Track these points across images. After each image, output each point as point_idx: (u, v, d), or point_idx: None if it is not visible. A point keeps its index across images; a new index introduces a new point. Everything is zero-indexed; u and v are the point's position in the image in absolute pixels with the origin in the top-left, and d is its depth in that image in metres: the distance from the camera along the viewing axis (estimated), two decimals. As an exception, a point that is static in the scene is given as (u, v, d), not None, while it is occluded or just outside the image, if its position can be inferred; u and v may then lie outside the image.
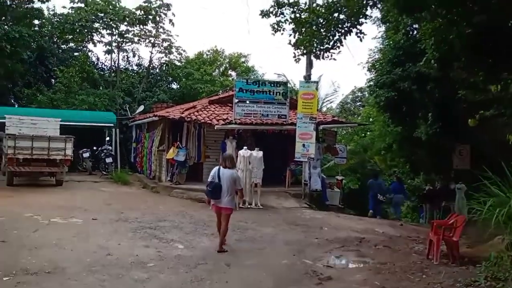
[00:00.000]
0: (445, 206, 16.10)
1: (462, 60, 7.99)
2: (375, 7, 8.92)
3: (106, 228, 9.48)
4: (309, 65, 14.87)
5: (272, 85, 15.13)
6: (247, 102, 15.02)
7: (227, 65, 27.82)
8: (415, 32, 10.21)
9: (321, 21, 8.54)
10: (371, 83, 13.97)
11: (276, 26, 9.24)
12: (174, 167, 15.52)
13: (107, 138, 19.19)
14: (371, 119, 19.27)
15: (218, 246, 8.20)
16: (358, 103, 33.65)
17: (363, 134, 21.91)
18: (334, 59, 9.33)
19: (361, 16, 8.70)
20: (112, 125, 19.39)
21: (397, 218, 17.09)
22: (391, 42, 13.09)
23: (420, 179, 21.44)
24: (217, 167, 8.50)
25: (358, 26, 8.67)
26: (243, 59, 27.97)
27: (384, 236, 10.74)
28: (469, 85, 8.95)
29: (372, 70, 15.13)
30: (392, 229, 11.93)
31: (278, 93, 15.17)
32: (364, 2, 8.74)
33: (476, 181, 16.68)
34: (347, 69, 54.80)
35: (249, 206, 13.43)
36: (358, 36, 8.73)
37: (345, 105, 29.60)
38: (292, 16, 8.90)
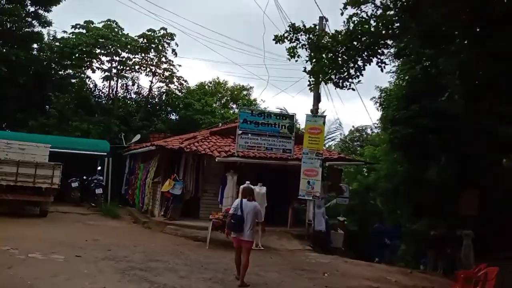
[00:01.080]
0: (450, 253, 15.14)
1: (492, 93, 7.31)
2: (395, 38, 8.28)
3: (90, 268, 8.36)
4: (317, 99, 14.19)
5: (278, 117, 14.38)
6: (249, 135, 14.18)
7: (229, 98, 27.26)
8: (433, 67, 9.61)
9: (341, 48, 7.89)
10: (387, 118, 13.24)
11: (292, 51, 8.56)
12: (169, 201, 14.48)
13: (98, 168, 18.17)
14: (379, 158, 18.47)
15: (240, 281, 8.09)
16: (356, 143, 33.04)
17: (367, 174, 21.07)
18: (353, 89, 8.65)
19: (381, 46, 8.07)
20: (105, 154, 18.44)
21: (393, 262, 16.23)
22: (407, 77, 12.48)
23: (422, 223, 20.49)
24: (239, 199, 8.54)
25: (378, 56, 8.02)
26: (245, 92, 27.47)
27: (397, 286, 9.71)
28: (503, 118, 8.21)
29: (384, 106, 14.52)
30: (404, 277, 10.91)
31: (283, 126, 14.38)
32: (384, 32, 8.12)
33: (482, 228, 15.97)
34: (348, 108, 54.74)
35: (249, 247, 12.31)
36: (379, 66, 8.08)
37: (345, 143, 28.88)
38: (309, 42, 8.25)
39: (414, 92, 11.68)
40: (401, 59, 10.91)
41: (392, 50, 9.44)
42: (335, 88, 8.75)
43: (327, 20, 9.54)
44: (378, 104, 15.71)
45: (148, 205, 15.66)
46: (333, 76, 8.22)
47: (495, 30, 6.52)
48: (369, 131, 30.59)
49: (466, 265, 14.74)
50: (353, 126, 33.41)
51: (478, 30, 6.97)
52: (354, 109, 64.21)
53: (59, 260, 8.75)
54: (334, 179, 15.75)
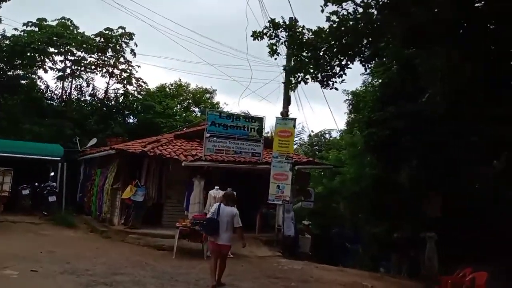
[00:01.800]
0: (414, 256, 15.23)
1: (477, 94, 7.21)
2: (377, 38, 8.04)
3: (48, 284, 7.53)
4: (287, 101, 13.88)
5: (247, 120, 13.92)
6: (217, 138, 13.60)
7: (191, 100, 26.44)
8: (410, 67, 9.50)
9: (324, 45, 7.55)
10: (362, 120, 13.05)
11: (272, 48, 8.12)
12: (130, 208, 13.62)
13: (51, 174, 16.89)
14: (346, 162, 18.40)
15: (217, 281, 8.12)
16: (315, 147, 33.10)
17: (332, 178, 20.98)
18: (336, 88, 8.33)
19: (363, 46, 7.81)
20: (59, 158, 17.19)
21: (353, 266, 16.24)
22: (381, 79, 12.40)
23: (384, 227, 20.69)
24: (218, 203, 8.58)
25: (361, 54, 7.76)
26: (208, 95, 26.77)
27: (375, 291, 9.48)
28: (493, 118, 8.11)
29: (355, 109, 14.38)
30: (378, 282, 10.72)
31: (253, 129, 13.94)
32: (367, 31, 7.85)
33: (446, 230, 16.20)
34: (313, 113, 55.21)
35: (218, 255, 11.72)
36: (364, 65, 7.81)
37: (307, 147, 28.70)
38: (290, 38, 7.86)
39: (390, 94, 11.59)
40: (374, 61, 10.73)
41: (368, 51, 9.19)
42: (322, 87, 8.40)
43: (297, 21, 9.16)
44: (351, 107, 15.62)
45: (107, 213, 14.68)
46: (319, 75, 7.87)
47: (481, 30, 6.41)
48: (333, 134, 30.66)
49: (429, 267, 14.86)
50: (312, 131, 33.49)
51: (463, 29, 6.84)
52: (318, 116, 64.51)
53: (13, 277, 7.82)
54: (302, 183, 15.45)
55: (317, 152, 30.10)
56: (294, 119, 13.57)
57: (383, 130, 11.41)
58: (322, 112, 58.55)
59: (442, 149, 11.44)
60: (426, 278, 14.24)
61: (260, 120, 13.98)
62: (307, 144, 32.50)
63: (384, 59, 9.89)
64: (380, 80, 12.75)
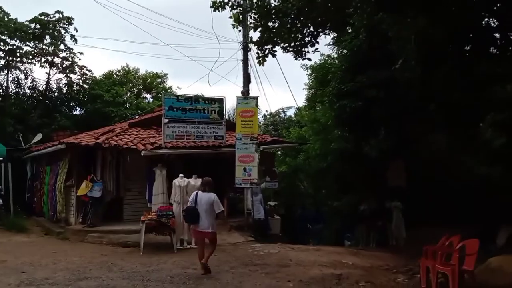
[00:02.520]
0: (382, 225, 15.31)
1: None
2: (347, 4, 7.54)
3: (3, 301, 6.60)
4: (247, 79, 13.24)
5: (206, 102, 13.13)
6: (174, 123, 12.75)
7: (141, 86, 25.02)
8: (379, 34, 9.11)
9: (294, 11, 6.96)
10: (332, 92, 12.59)
11: (237, 18, 7.41)
12: (88, 205, 12.61)
13: (-5, 175, 15.44)
14: (310, 138, 18.06)
15: (205, 259, 8.19)
16: (270, 127, 32.81)
17: (295, 156, 20.68)
18: (309, 58, 7.80)
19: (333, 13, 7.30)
20: (1, 159, 15.73)
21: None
22: (346, 49, 11.95)
23: (349, 200, 20.85)
24: (196, 191, 8.48)
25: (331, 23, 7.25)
26: (159, 80, 25.44)
27: (356, 269, 9.19)
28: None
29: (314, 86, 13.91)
30: (356, 258, 10.48)
31: (213, 111, 13.20)
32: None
33: (411, 199, 16.42)
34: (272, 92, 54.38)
35: (188, 246, 11.10)
36: (335, 31, 7.31)
37: (265, 127, 28.24)
38: (257, 5, 7.19)
39: (359, 63, 11.13)
40: (341, 31, 10.26)
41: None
42: (295, 57, 7.81)
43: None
44: (312, 82, 15.06)
45: (61, 212, 13.54)
46: (292, 43, 7.26)
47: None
48: (289, 113, 30.37)
49: (398, 236, 15.01)
50: (266, 111, 33.04)
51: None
52: (273, 96, 63.82)
53: (-42, 297, 6.82)
54: (268, 164, 14.98)
55: (273, 132, 29.82)
56: (256, 98, 12.96)
57: (356, 101, 11.03)
58: (277, 92, 57.76)
59: (409, 116, 11.30)
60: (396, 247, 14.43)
61: (220, 101, 13.26)
62: (262, 124, 32.11)
63: (352, 27, 9.44)
64: (346, 51, 12.32)
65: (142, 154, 12.18)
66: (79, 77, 21.59)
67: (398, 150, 12.12)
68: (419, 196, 17.08)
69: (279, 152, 21.14)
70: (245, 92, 13.05)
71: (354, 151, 13.58)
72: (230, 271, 8.71)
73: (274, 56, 7.99)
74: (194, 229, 8.39)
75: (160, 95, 23.48)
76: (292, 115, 30.28)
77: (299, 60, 7.75)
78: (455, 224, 18.46)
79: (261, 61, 8.39)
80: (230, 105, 21.57)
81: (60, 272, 8.45)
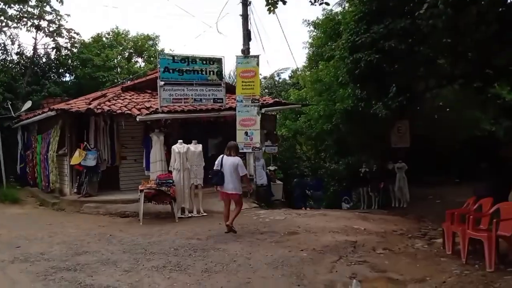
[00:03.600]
0: (384, 187, 14.90)
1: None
2: None
3: (-5, 280, 6.05)
4: (247, 37, 12.36)
5: (204, 62, 12.28)
6: (171, 86, 11.96)
7: (132, 50, 23.88)
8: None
9: None
10: (345, 46, 11.70)
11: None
12: (82, 175, 11.99)
13: (-16, 146, 14.71)
14: (312, 99, 17.31)
15: (230, 221, 8.52)
16: (265, 90, 31.99)
17: (295, 119, 20.02)
18: (327, 3, 6.99)
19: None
20: (-10, 128, 15.00)
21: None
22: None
23: (348, 162, 20.53)
24: (222, 155, 8.68)
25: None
26: (150, 42, 24.26)
27: (371, 235, 8.73)
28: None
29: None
30: (367, 223, 10.03)
31: (211, 72, 12.39)
32: None
33: (414, 159, 15.98)
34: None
35: (190, 215, 10.60)
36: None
37: (264, 90, 27.33)
38: None
39: (376, 12, 10.20)
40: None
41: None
42: (312, 2, 6.98)
43: None
44: (313, 39, 14.03)
45: (54, 182, 12.93)
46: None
47: None
48: (283, 76, 29.49)
49: (401, 198, 14.66)
50: (260, 74, 31.97)
51: None
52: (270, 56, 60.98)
53: None
54: (269, 127, 14.33)
55: (268, 94, 29.00)
56: (257, 56, 12.13)
57: (371, 54, 10.18)
58: (271, 54, 55.62)
59: (422, 70, 10.57)
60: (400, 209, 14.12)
61: (218, 61, 12.41)
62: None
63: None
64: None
65: (137, 120, 11.47)
66: (66, 40, 20.49)
67: (405, 109, 11.46)
68: (421, 157, 16.74)
69: (277, 116, 20.44)
70: (246, 50, 12.20)
71: (360, 111, 12.95)
72: (237, 240, 8.22)
73: (284, 3, 7.17)
74: (220, 191, 8.70)
75: (152, 58, 22.45)
76: (287, 78, 29.36)
77: (315, 5, 6.99)
78: (458, 184, 18.43)
79: (271, 8, 7.55)
80: (229, 67, 20.68)
81: (57, 246, 7.92)
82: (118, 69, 21.36)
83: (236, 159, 8.55)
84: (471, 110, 17.79)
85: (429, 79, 11.39)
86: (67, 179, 12.56)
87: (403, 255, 7.31)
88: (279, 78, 29.30)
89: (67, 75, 21.41)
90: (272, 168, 16.98)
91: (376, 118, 12.43)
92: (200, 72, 12.25)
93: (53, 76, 20.78)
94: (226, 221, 8.61)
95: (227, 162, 8.49)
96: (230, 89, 13.78)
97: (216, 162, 8.73)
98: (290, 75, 29.95)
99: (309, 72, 19.19)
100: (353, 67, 10.45)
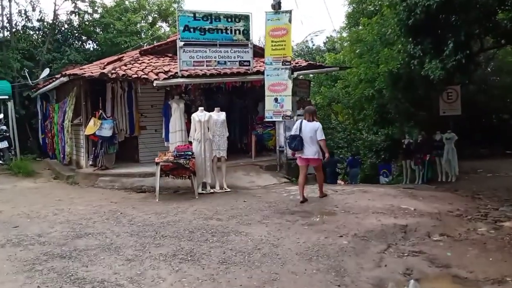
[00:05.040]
0: (430, 159, 13.50)
1: None
2: None
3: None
4: (277, -12, 10.78)
5: (229, 20, 10.87)
6: (192, 47, 10.67)
7: (156, 14, 22.60)
8: None
9: None
10: None
11: None
12: (98, 146, 11.02)
13: (1, 116, 14.00)
14: (351, 62, 15.67)
15: (319, 193, 8.58)
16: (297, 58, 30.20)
17: (332, 85, 18.43)
18: None
19: None
20: (7, 97, 14.24)
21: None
22: None
23: (384, 132, 19.04)
24: (300, 120, 8.51)
25: None
26: (175, 6, 22.84)
27: (422, 217, 7.33)
28: None
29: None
30: (416, 201, 8.58)
31: (237, 31, 11.00)
32: None
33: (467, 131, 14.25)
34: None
35: (212, 191, 9.45)
36: None
37: (304, 56, 25.48)
38: None
39: None
40: None
41: None
42: None
43: None
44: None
45: (70, 154, 12.09)
46: None
47: None
48: (317, 41, 27.60)
49: (449, 172, 13.18)
50: (293, 41, 30.07)
51: None
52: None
53: None
54: (302, 93, 12.89)
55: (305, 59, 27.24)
56: (290, 12, 10.60)
57: None
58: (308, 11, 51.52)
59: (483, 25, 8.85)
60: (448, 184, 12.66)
61: (245, 18, 10.97)
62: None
63: None
64: None
65: (154, 84, 10.30)
66: (87, 4, 19.38)
67: (464, 71, 9.80)
68: (469, 127, 15.06)
69: (311, 82, 18.93)
70: (277, 5, 10.66)
71: (408, 73, 11.34)
72: (263, 221, 7.02)
73: None
74: (299, 157, 8.40)
75: (184, 10, 21.07)
76: (322, 44, 27.42)
77: None
78: (508, 156, 16.63)
79: None
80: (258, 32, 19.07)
81: (59, 226, 6.95)
82: (142, 34, 20.18)
83: (316, 124, 8.24)
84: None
85: (485, 38, 9.74)
86: (83, 151, 11.65)
87: (468, 244, 5.93)
88: (313, 44, 27.40)
89: (90, 42, 20.43)
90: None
91: (426, 81, 10.77)
92: (224, 31, 10.88)
93: (74, 43, 19.84)
94: (301, 189, 8.35)
95: (307, 127, 8.19)
96: (259, 53, 12.37)
97: (294, 127, 8.53)
98: (325, 40, 28.03)
99: (347, 33, 17.39)
100: (406, 15, 8.76)
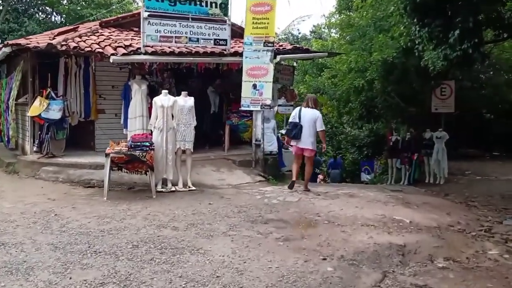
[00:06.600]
0: (419, 158, 12.71)
1: None
2: None
3: None
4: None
5: (205, -10, 9.38)
6: (159, 19, 9.17)
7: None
8: None
9: None
10: None
11: None
12: (44, 130, 9.44)
13: None
14: (341, 48, 14.34)
15: (304, 186, 8.20)
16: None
17: (318, 74, 17.11)
18: None
19: None
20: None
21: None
22: None
23: (368, 128, 18.13)
24: (299, 107, 8.22)
25: None
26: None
27: (421, 233, 6.11)
28: None
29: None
30: (411, 211, 7.37)
31: (214, 4, 9.49)
32: None
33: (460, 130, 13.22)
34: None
35: (174, 189, 8.02)
36: None
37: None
38: None
39: None
40: None
41: None
42: None
43: None
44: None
45: (14, 137, 10.47)
46: None
47: None
48: (302, 28, 26.18)
49: (437, 173, 12.27)
50: (278, 28, 28.53)
51: None
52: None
53: None
54: (285, 81, 11.53)
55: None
56: (273, -16, 9.21)
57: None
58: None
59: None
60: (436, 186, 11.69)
61: (223, -10, 9.51)
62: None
63: None
64: None
65: (111, 61, 8.75)
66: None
67: (469, 62, 8.65)
68: (456, 126, 14.26)
69: (295, 69, 17.59)
70: (259, -24, 9.24)
71: (404, 62, 10.18)
72: (228, 233, 5.66)
73: None
74: (295, 146, 8.17)
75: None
76: (308, 33, 25.99)
77: None
78: (494, 159, 15.89)
79: None
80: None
81: (-33, 231, 5.46)
82: (111, 7, 18.40)
83: (316, 112, 8.03)
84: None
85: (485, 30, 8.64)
86: (28, 134, 10.05)
87: (483, 276, 4.70)
88: (299, 32, 25.92)
89: (54, 14, 18.59)
90: (284, 132, 14.26)
91: (423, 73, 9.60)
92: (198, 2, 9.37)
93: (37, 14, 17.99)
94: (295, 172, 8.23)
95: (306, 114, 7.91)
96: (239, 33, 10.95)
97: (292, 114, 8.23)
98: (311, 29, 26.61)
99: (340, 17, 16.00)
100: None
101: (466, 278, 4.60)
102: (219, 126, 11.28)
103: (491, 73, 15.79)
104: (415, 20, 7.64)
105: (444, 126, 12.92)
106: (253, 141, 10.09)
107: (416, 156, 12.70)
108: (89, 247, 4.96)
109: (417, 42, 7.90)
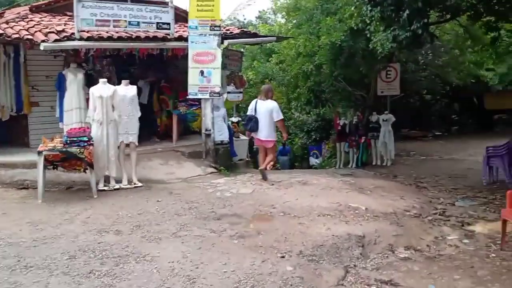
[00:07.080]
0: (366, 141, 12.85)
1: None
2: None
3: None
4: None
5: (144, -30, 8.69)
6: (92, 2, 8.40)
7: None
8: None
9: None
10: None
11: None
12: (-32, 126, 8.50)
13: None
14: (289, 32, 13.99)
15: (263, 166, 8.07)
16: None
17: (266, 60, 16.74)
18: None
19: None
20: None
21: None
22: None
23: (316, 112, 18.18)
24: (255, 99, 8.23)
25: None
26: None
27: (378, 220, 6.00)
28: None
29: None
30: (366, 197, 7.29)
31: (153, -15, 8.85)
32: None
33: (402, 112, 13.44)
34: None
35: (118, 186, 7.42)
36: None
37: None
38: None
39: None
40: None
41: None
42: None
43: None
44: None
45: None
46: None
47: None
48: (251, 16, 25.70)
49: (384, 156, 12.52)
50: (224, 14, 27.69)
51: None
52: None
53: None
54: (234, 67, 11.07)
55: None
56: (218, -36, 8.68)
57: None
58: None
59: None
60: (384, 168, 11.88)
61: (164, -30, 8.86)
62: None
63: None
64: None
65: (41, 48, 7.91)
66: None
67: (417, 44, 8.65)
68: (398, 107, 14.62)
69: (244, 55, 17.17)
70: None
71: (351, 45, 10.06)
72: (178, 234, 5.24)
73: None
74: (256, 137, 8.29)
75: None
76: (254, 19, 25.51)
77: None
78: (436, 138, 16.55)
79: None
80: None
81: None
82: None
83: (272, 103, 7.99)
84: (472, 51, 15.54)
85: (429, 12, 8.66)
86: (-49, 132, 9.03)
87: (447, 265, 4.60)
88: (244, 19, 25.37)
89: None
90: (235, 119, 13.83)
91: (370, 57, 9.51)
92: (137, -17, 8.68)
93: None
94: (261, 160, 8.23)
95: (262, 106, 7.92)
96: (183, 17, 10.31)
97: (250, 107, 8.29)
98: (257, 15, 26.15)
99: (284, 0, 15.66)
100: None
101: (431, 270, 4.47)
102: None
103: (430, 54, 16.14)
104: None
105: (390, 109, 13.12)
106: (203, 131, 9.59)
107: (363, 139, 12.80)
108: (19, 261, 4.37)
109: (368, 22, 7.76)
